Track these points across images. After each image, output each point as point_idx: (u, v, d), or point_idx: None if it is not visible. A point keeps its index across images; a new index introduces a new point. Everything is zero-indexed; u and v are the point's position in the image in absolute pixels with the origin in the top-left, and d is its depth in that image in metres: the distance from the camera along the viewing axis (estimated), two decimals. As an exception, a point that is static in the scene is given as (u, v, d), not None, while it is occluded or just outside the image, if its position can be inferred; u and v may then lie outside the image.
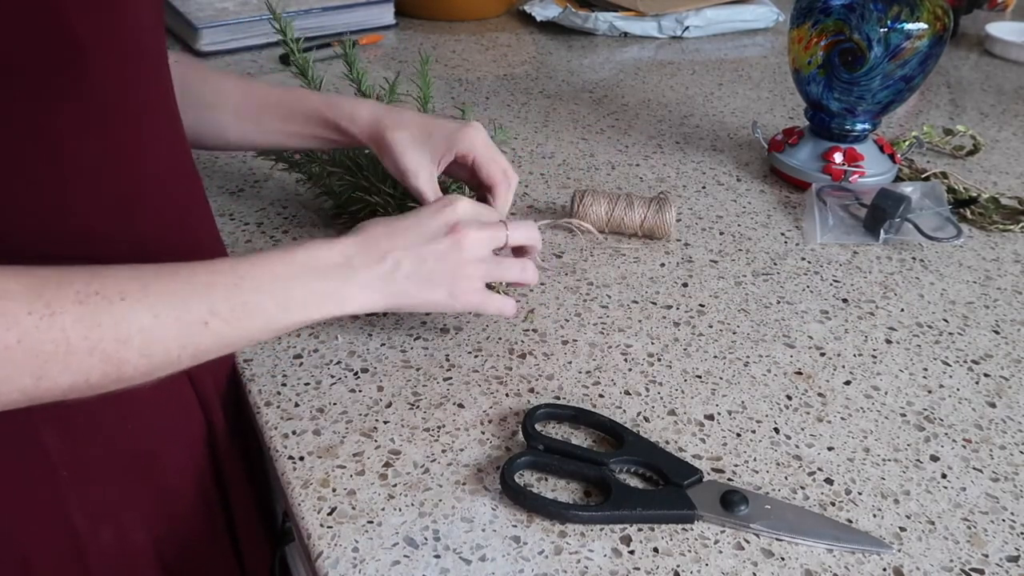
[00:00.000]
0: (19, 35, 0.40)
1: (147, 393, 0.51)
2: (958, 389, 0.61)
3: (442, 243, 0.55)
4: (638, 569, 0.47)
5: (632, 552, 0.48)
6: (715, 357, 0.63)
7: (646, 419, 0.57)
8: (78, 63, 0.42)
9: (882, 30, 0.77)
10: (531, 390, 0.59)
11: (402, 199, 0.70)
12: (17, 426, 0.46)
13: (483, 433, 0.55)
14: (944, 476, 0.54)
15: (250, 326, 0.47)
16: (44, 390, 0.40)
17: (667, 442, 0.55)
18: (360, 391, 0.58)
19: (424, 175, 0.63)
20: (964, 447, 0.56)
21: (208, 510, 0.58)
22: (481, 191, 0.66)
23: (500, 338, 0.64)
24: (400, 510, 0.49)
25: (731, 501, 0.49)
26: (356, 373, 0.60)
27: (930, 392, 0.61)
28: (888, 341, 0.66)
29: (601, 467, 0.52)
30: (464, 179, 0.68)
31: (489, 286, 0.60)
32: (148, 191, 0.50)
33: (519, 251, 0.63)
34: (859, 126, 0.85)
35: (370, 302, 0.53)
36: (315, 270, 0.50)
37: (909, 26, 0.77)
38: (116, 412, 0.50)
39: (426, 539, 0.48)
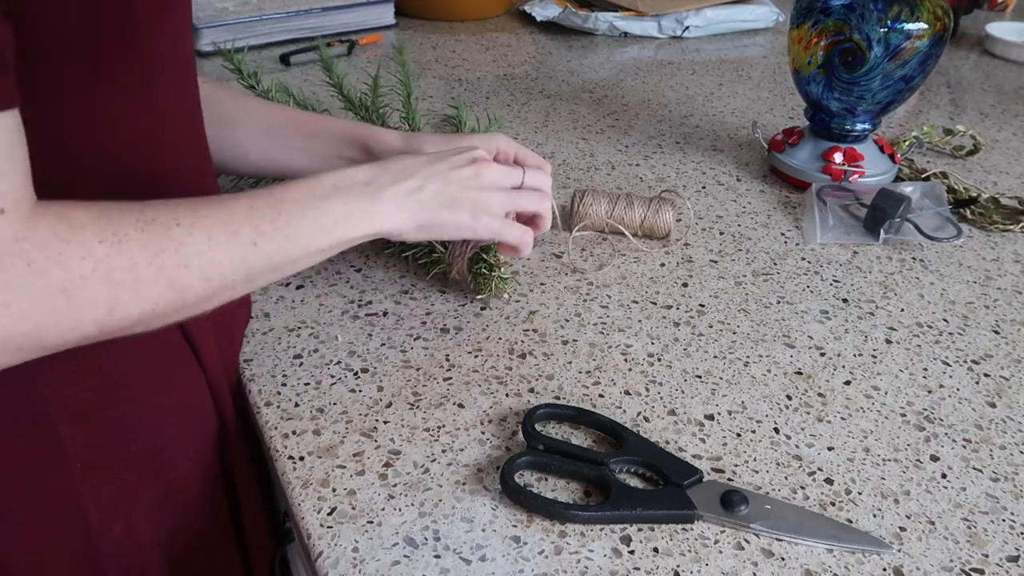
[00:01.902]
0: (86, 11, 0.41)
1: (162, 390, 0.52)
2: (958, 389, 0.61)
3: (465, 170, 0.58)
4: (638, 569, 0.47)
5: (632, 552, 0.48)
6: (715, 357, 0.63)
7: (646, 419, 0.57)
8: (135, 36, 0.44)
9: (882, 30, 0.77)
10: (531, 390, 0.59)
11: None
12: (35, 419, 0.46)
13: (483, 433, 0.55)
14: (944, 476, 0.54)
15: (294, 245, 0.49)
16: (117, 321, 0.41)
17: (667, 442, 0.55)
18: (360, 391, 0.58)
19: None
20: (964, 447, 0.56)
21: (215, 506, 0.58)
22: None
23: (500, 338, 0.64)
24: (400, 510, 0.49)
25: (731, 501, 0.49)
26: (356, 373, 0.60)
27: (930, 392, 0.61)
28: (888, 341, 0.66)
29: (601, 467, 0.52)
30: None
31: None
32: (171, 171, 0.51)
33: (529, 222, 0.64)
34: (859, 126, 0.85)
35: (400, 220, 0.55)
36: (345, 189, 0.52)
37: (909, 26, 0.77)
38: (131, 408, 0.51)
39: (426, 539, 0.48)
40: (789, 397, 0.60)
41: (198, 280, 0.44)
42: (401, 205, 0.55)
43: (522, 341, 0.63)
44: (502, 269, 0.67)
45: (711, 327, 0.66)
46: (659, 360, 0.62)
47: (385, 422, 0.56)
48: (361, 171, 0.54)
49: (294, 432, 0.54)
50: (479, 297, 0.67)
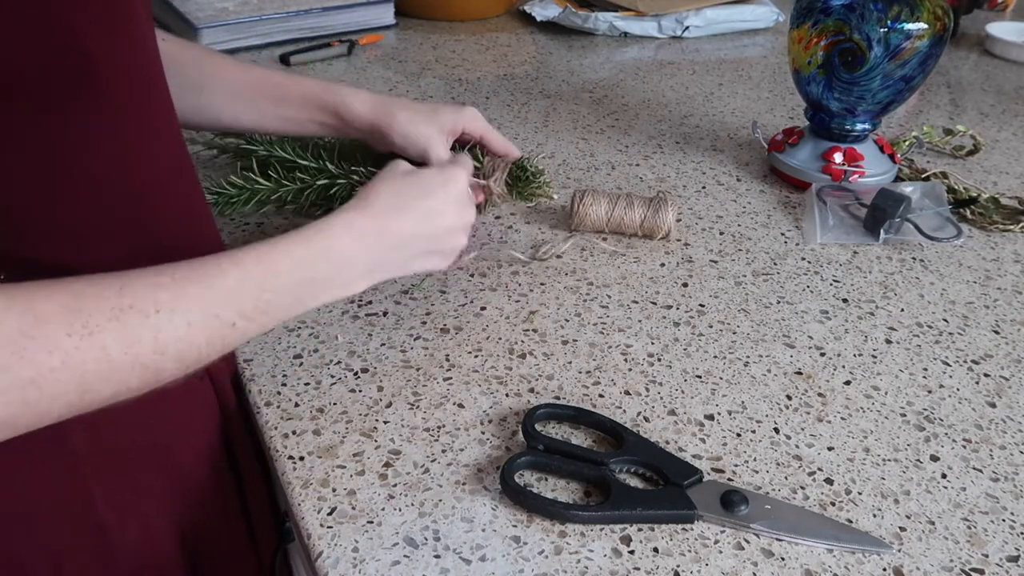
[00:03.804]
0: (34, 53, 0.40)
1: (166, 386, 0.52)
2: (958, 389, 0.61)
3: (446, 220, 0.58)
4: (638, 569, 0.47)
5: (632, 552, 0.48)
6: (715, 357, 0.63)
7: (646, 419, 0.57)
8: (92, 78, 0.43)
9: (882, 30, 0.77)
10: (531, 390, 0.59)
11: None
12: (47, 430, 0.46)
13: (483, 433, 0.55)
14: (944, 476, 0.54)
15: (270, 320, 0.49)
16: (88, 403, 0.40)
17: (667, 442, 0.55)
18: (360, 391, 0.58)
19: (439, 145, 0.67)
20: (964, 447, 0.56)
21: (224, 494, 0.59)
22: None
23: (500, 338, 0.64)
24: (400, 510, 0.49)
25: (731, 501, 0.49)
26: (356, 373, 0.60)
27: (930, 392, 0.61)
28: (888, 341, 0.66)
29: (601, 467, 0.52)
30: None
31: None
32: (153, 193, 0.50)
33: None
34: (859, 126, 0.85)
35: (366, 284, 0.55)
36: (340, 266, 0.52)
37: (909, 26, 0.77)
38: (136, 407, 0.51)
39: (426, 539, 0.48)
40: (789, 397, 0.60)
41: (173, 363, 0.43)
42: (394, 270, 0.56)
43: (522, 341, 0.63)
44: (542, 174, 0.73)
45: (711, 327, 0.66)
46: (659, 360, 0.62)
47: (385, 422, 0.56)
48: (362, 237, 0.53)
49: (294, 432, 0.54)
50: (529, 205, 0.74)
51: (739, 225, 0.81)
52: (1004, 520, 0.51)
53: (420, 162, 0.68)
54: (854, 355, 0.64)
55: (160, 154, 0.50)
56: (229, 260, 0.46)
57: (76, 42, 0.41)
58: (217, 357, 0.46)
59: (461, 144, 0.73)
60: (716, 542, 0.49)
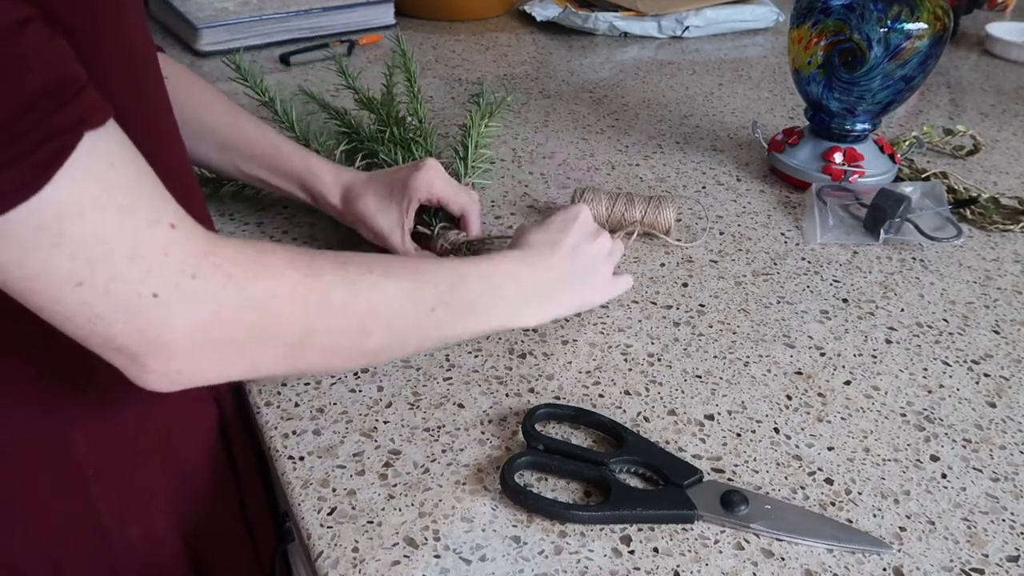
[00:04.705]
0: None
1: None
2: (958, 389, 0.61)
3: (596, 249, 0.62)
4: (638, 569, 0.47)
5: (632, 552, 0.48)
6: (715, 357, 0.63)
7: (646, 419, 0.57)
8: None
9: (882, 30, 0.77)
10: (531, 390, 0.59)
11: None
12: (48, 430, 0.46)
13: (483, 433, 0.55)
14: (944, 476, 0.54)
15: (462, 321, 0.52)
16: (308, 348, 0.43)
17: (667, 442, 0.55)
18: (360, 391, 0.58)
19: (396, 234, 0.67)
20: (964, 447, 0.56)
21: (224, 495, 0.59)
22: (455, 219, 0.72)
23: (500, 338, 0.64)
24: (400, 510, 0.49)
25: (731, 501, 0.49)
26: (356, 373, 0.60)
27: (930, 392, 0.61)
28: (888, 341, 0.66)
29: (601, 467, 0.52)
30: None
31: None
32: None
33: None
34: (859, 126, 0.85)
35: (551, 315, 0.60)
36: (517, 287, 0.56)
37: (909, 26, 0.77)
38: (135, 409, 0.51)
39: (426, 539, 0.48)
40: (789, 397, 0.60)
41: (381, 328, 0.46)
42: (563, 304, 0.60)
43: (522, 341, 0.63)
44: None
45: (711, 327, 0.66)
46: (659, 360, 0.62)
47: (385, 422, 0.56)
48: (526, 267, 0.57)
49: (294, 432, 0.54)
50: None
51: (739, 225, 0.81)
52: (1004, 520, 0.51)
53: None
54: (854, 355, 0.64)
55: (154, 151, 0.50)
56: (431, 258, 0.51)
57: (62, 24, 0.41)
58: (415, 349, 0.51)
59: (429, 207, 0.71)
60: (716, 542, 0.49)
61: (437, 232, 0.70)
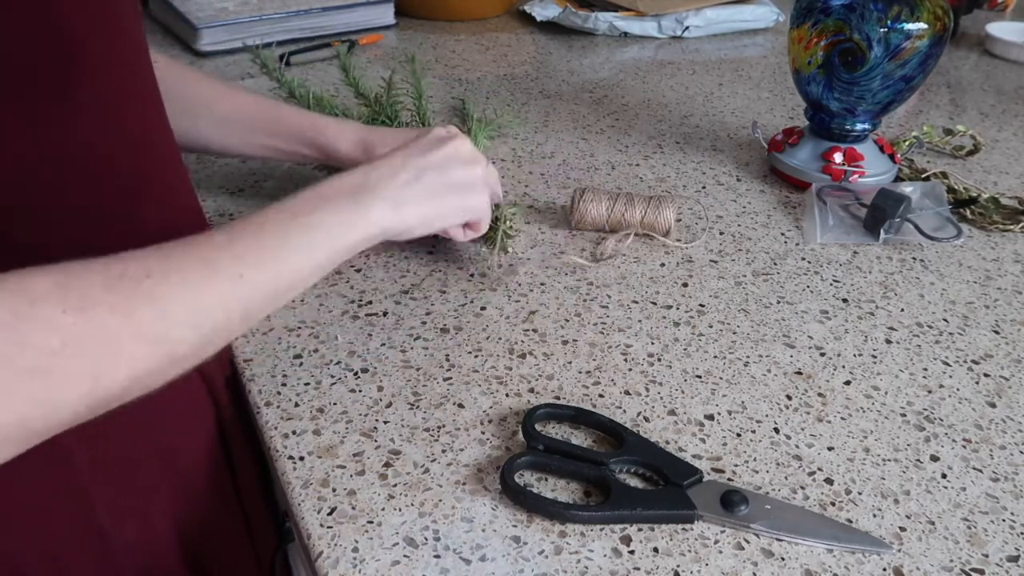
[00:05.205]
0: (18, 36, 0.40)
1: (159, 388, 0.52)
2: (958, 389, 0.61)
3: (447, 148, 0.57)
4: (638, 569, 0.47)
5: (632, 552, 0.48)
6: (715, 357, 0.63)
7: (646, 419, 0.57)
8: (78, 60, 0.42)
9: (882, 30, 0.77)
10: (531, 390, 0.59)
11: None
12: None
13: (483, 433, 0.55)
14: (944, 476, 0.54)
15: (286, 268, 0.46)
16: (104, 391, 0.38)
17: (667, 442, 0.55)
18: (360, 391, 0.58)
19: None
20: (964, 447, 0.56)
21: (223, 495, 0.59)
22: None
23: (500, 338, 0.64)
24: (400, 510, 0.49)
25: (731, 501, 0.49)
26: (356, 373, 0.60)
27: (930, 392, 0.61)
28: (888, 341, 0.66)
29: (601, 467, 0.52)
30: None
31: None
32: (140, 183, 0.50)
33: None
34: (859, 126, 0.85)
35: (400, 216, 0.53)
36: (331, 199, 0.50)
37: (909, 26, 0.77)
38: (133, 409, 0.51)
39: (426, 539, 0.48)
40: (789, 397, 0.60)
41: (185, 330, 0.40)
42: (399, 200, 0.53)
43: (522, 341, 0.63)
44: (509, 223, 0.69)
45: (711, 327, 0.66)
46: (659, 360, 0.62)
47: (385, 422, 0.56)
48: (347, 177, 0.52)
49: (294, 432, 0.54)
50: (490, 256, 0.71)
51: (739, 225, 0.81)
52: (1004, 520, 0.51)
53: None
54: (854, 355, 0.64)
55: (147, 143, 0.50)
56: (220, 227, 0.45)
57: (61, 24, 0.41)
58: (245, 323, 0.44)
59: None
60: (716, 542, 0.49)
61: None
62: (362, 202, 0.51)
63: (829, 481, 0.53)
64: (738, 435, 0.56)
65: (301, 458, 0.53)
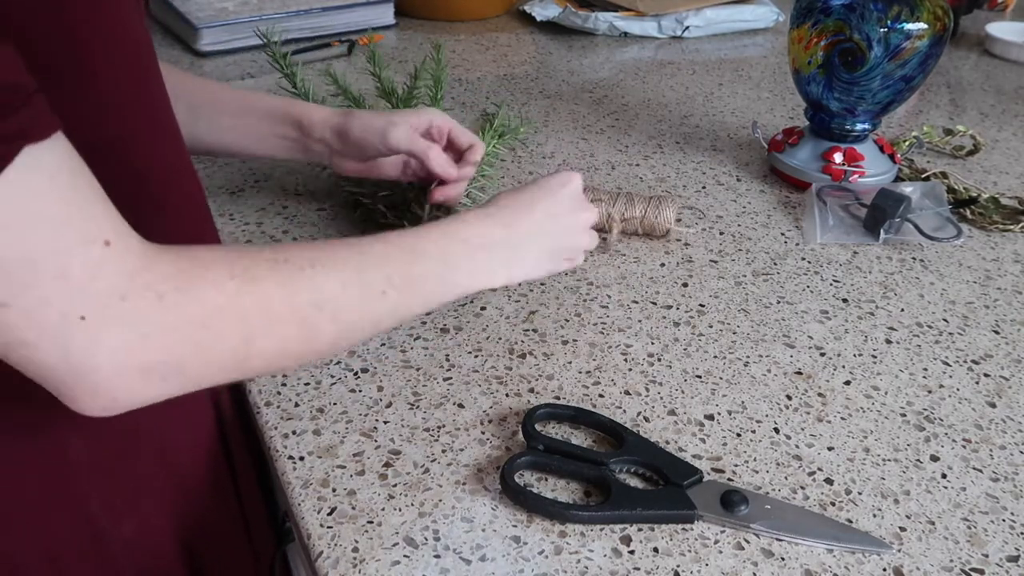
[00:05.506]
0: (27, 42, 0.40)
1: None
2: (958, 389, 0.61)
3: (579, 218, 0.59)
4: (638, 569, 0.47)
5: (632, 552, 0.48)
6: (715, 357, 0.63)
7: (646, 419, 0.57)
8: (85, 64, 0.42)
9: (882, 30, 0.77)
10: (531, 390, 0.59)
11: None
12: (43, 430, 0.46)
13: (483, 433, 0.55)
14: (944, 476, 0.54)
15: (420, 301, 0.50)
16: (252, 356, 0.41)
17: (667, 442, 0.55)
18: (360, 391, 0.58)
19: (398, 128, 0.66)
20: (964, 447, 0.56)
21: (222, 494, 0.59)
22: (432, 177, 0.69)
23: (500, 338, 0.64)
24: (400, 510, 0.49)
25: (731, 501, 0.49)
26: (356, 373, 0.60)
27: (930, 392, 0.61)
28: (888, 341, 0.66)
29: (601, 467, 0.52)
30: (419, 175, 0.71)
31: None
32: (150, 187, 0.50)
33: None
34: (859, 126, 0.85)
35: (519, 276, 0.57)
36: (479, 247, 0.53)
37: (909, 26, 0.77)
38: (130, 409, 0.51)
39: (426, 539, 0.48)
40: (789, 397, 0.60)
41: (329, 322, 0.44)
42: (525, 266, 0.56)
43: (522, 341, 0.63)
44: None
45: (711, 327, 0.66)
46: (659, 360, 0.62)
47: (385, 422, 0.56)
48: (494, 226, 0.55)
49: (294, 432, 0.54)
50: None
51: (739, 225, 0.81)
52: (1004, 520, 0.51)
53: (382, 152, 0.67)
54: (854, 355, 0.64)
55: (156, 145, 0.50)
56: (372, 236, 0.48)
57: (70, 30, 0.41)
58: (371, 331, 0.48)
59: (424, 180, 0.71)
60: (716, 542, 0.49)
61: (428, 215, 0.70)
62: (498, 258, 0.55)
63: (829, 481, 0.53)
64: (738, 435, 0.56)
65: (301, 458, 0.53)
